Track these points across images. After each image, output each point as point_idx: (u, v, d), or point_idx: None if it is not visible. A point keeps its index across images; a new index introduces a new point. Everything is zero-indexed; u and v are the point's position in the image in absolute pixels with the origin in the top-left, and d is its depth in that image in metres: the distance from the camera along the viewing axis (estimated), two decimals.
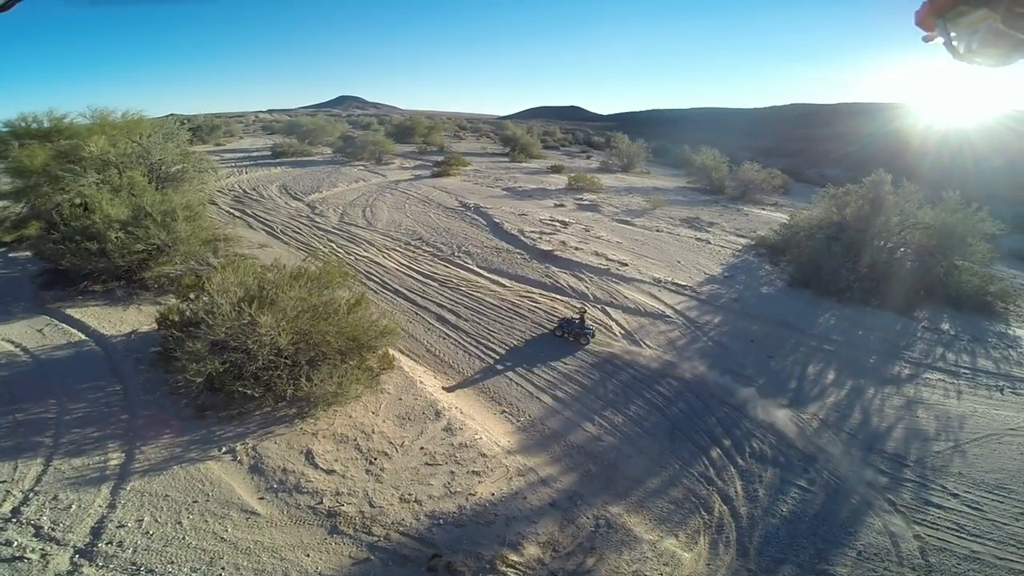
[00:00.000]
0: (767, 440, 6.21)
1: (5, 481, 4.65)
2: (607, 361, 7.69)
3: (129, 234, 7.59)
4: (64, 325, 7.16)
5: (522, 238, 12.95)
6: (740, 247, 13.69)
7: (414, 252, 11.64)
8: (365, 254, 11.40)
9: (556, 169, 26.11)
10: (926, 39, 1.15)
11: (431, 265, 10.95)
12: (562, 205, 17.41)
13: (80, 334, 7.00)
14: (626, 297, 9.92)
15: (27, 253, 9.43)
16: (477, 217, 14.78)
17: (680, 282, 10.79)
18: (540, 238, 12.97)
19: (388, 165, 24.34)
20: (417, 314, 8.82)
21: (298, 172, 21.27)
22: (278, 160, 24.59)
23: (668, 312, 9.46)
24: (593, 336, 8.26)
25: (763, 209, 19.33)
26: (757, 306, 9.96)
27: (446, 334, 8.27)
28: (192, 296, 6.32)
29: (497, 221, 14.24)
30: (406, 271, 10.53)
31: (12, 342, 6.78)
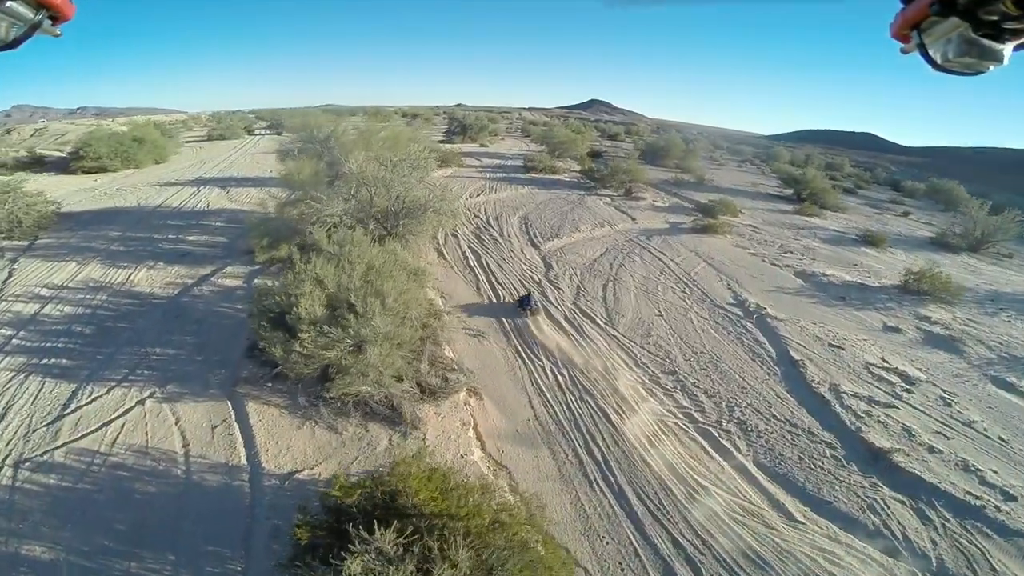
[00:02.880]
0: None
1: None
2: None
3: (322, 335, 5.97)
4: (236, 430, 5.96)
5: (836, 407, 7.75)
6: None
7: (661, 398, 7.81)
8: (598, 388, 7.74)
9: (871, 240, 18.16)
10: (903, 51, 1.13)
11: (679, 440, 6.90)
12: (897, 329, 10.93)
13: (242, 454, 5.66)
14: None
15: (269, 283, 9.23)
16: (760, 337, 9.78)
17: None
18: (868, 415, 7.57)
19: (638, 200, 20.73)
20: (637, 552, 5.12)
21: (543, 198, 19.56)
22: (527, 176, 23.68)
23: None
24: (535, 310, 9.37)
25: None
26: None
27: None
28: (344, 501, 4.11)
29: (796, 357, 9.08)
30: (646, 446, 6.84)
31: (184, 436, 5.82)
